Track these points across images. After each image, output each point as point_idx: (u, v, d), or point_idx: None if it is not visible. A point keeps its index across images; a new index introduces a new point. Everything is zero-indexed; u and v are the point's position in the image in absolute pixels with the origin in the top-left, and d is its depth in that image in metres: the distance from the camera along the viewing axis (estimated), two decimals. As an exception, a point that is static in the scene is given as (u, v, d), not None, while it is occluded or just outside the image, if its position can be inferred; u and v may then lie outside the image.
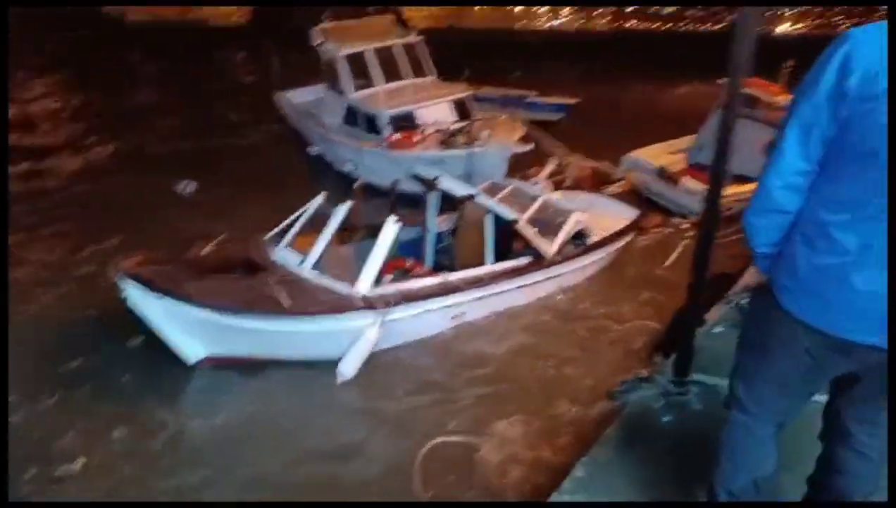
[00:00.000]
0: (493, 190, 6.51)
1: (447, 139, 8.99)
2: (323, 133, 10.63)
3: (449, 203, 6.28)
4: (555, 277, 5.95)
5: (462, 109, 9.93)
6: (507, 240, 5.84)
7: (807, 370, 1.89)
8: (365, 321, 4.53)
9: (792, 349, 1.88)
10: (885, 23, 1.55)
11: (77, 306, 5.65)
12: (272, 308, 4.31)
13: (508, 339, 5.42)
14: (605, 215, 6.94)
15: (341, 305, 4.52)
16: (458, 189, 5.74)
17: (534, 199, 6.20)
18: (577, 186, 8.59)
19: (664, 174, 8.77)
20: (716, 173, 3.11)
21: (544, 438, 4.16)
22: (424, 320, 5.04)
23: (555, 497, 2.85)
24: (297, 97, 12.98)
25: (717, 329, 4.34)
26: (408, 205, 6.74)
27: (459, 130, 9.07)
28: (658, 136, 10.03)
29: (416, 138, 9.18)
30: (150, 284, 4.20)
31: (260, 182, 9.95)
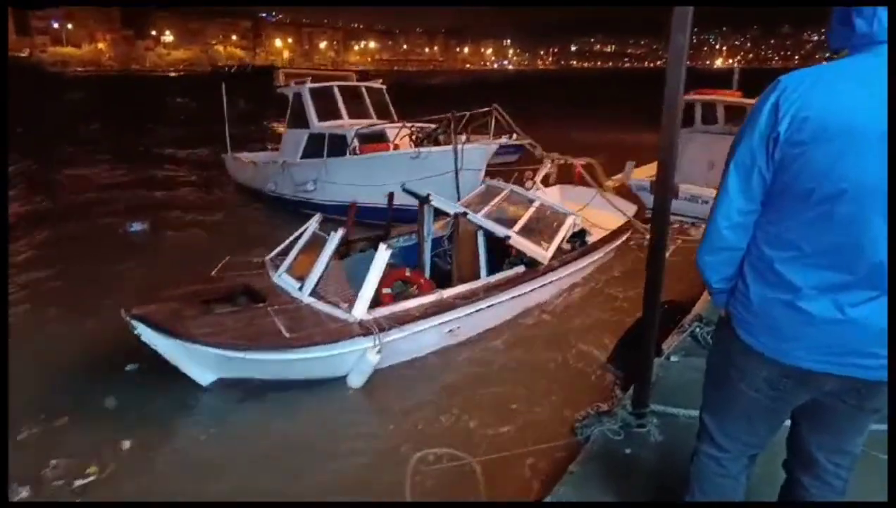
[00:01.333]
0: (487, 194, 6.59)
1: (423, 139, 8.88)
2: (279, 166, 10.49)
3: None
4: (553, 282, 6.02)
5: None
6: (505, 247, 5.94)
7: (768, 400, 1.90)
8: (362, 346, 4.72)
9: (753, 381, 1.90)
10: (815, 67, 1.66)
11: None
12: (274, 342, 4.52)
13: (503, 353, 5.49)
14: (602, 210, 7.02)
15: (339, 332, 4.69)
16: (450, 207, 5.83)
17: (530, 202, 6.27)
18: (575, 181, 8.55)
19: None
20: (661, 192, 3.17)
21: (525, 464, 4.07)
22: (420, 338, 5.20)
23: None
24: (249, 158, 12.93)
25: (674, 359, 4.38)
26: (405, 219, 6.82)
27: (433, 131, 8.97)
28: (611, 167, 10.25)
29: (387, 145, 9.10)
30: (158, 326, 4.45)
31: (216, 225, 9.90)
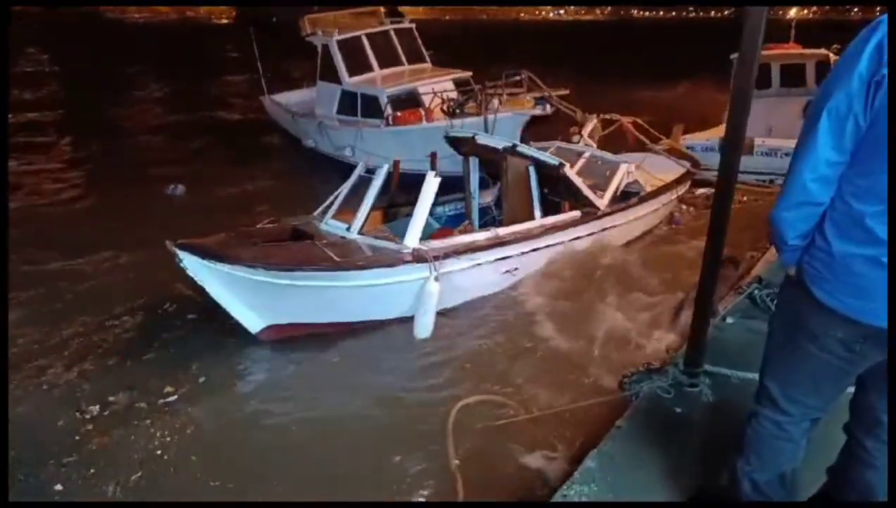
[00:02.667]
0: None
1: (455, 110, 8.72)
2: (316, 125, 10.38)
3: (488, 172, 6.15)
4: (608, 228, 5.82)
5: (464, 87, 9.74)
6: (556, 201, 5.76)
7: (841, 362, 1.84)
8: (421, 274, 4.57)
9: (825, 342, 1.84)
10: None
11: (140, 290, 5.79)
12: (324, 264, 4.37)
13: (560, 299, 5.32)
14: (654, 170, 6.79)
15: (392, 258, 4.57)
16: (498, 143, 5.62)
17: (579, 155, 6.05)
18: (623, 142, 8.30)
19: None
20: (727, 164, 3.04)
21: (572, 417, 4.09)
22: (478, 275, 5.02)
23: (565, 488, 2.82)
24: (285, 99, 12.80)
25: (730, 320, 4.29)
26: (449, 189, 6.71)
27: (467, 100, 8.79)
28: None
29: (419, 112, 8.94)
30: (203, 252, 4.24)
31: (255, 179, 9.96)
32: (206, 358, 4.71)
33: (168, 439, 3.94)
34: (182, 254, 4.21)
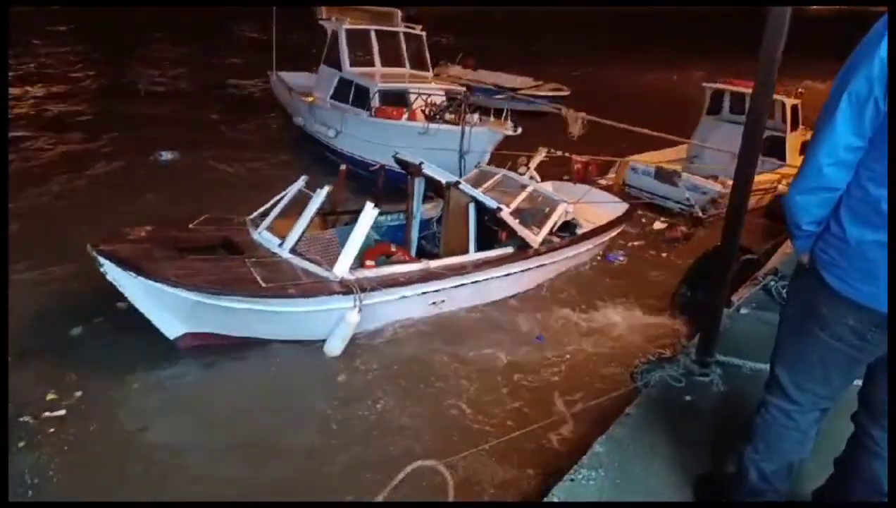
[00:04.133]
0: (481, 178, 6.43)
1: (435, 115, 8.78)
2: (307, 105, 10.55)
3: (435, 191, 6.18)
4: (540, 267, 5.88)
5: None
6: (493, 229, 5.80)
7: (852, 349, 1.85)
8: (344, 304, 4.56)
9: (836, 330, 1.84)
10: None
11: (63, 278, 5.56)
12: (247, 289, 4.31)
13: (483, 331, 5.34)
14: (594, 207, 6.89)
15: (318, 287, 4.54)
16: (442, 176, 5.66)
17: (523, 188, 6.10)
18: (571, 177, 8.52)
19: (661, 173, 8.72)
20: (749, 136, 3.04)
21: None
22: (403, 305, 5.05)
23: (573, 472, 2.84)
24: (290, 78, 12.90)
25: (744, 311, 4.28)
26: (394, 191, 6.73)
27: (448, 108, 8.88)
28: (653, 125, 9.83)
29: (402, 111, 9.03)
30: (124, 263, 4.18)
31: (244, 152, 10.13)
32: (110, 364, 4.55)
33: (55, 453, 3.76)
34: (103, 260, 4.17)
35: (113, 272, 4.19)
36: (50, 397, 4.14)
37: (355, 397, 4.38)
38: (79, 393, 4.20)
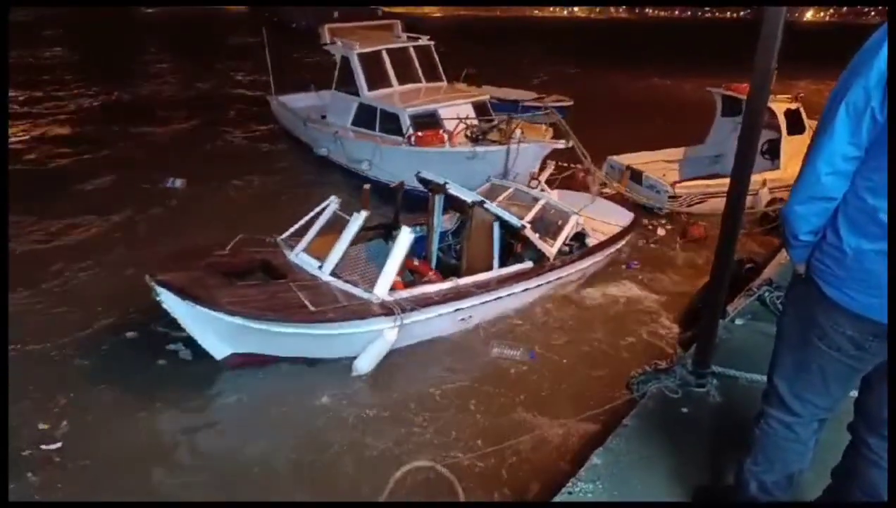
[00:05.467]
0: (493, 191, 6.57)
1: (478, 136, 8.73)
2: (332, 133, 10.22)
3: (449, 204, 6.29)
4: (557, 279, 6.08)
5: (482, 112, 9.71)
6: (509, 241, 5.96)
7: (850, 359, 1.85)
8: (384, 325, 4.73)
9: (834, 340, 1.84)
10: None
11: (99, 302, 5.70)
12: (301, 315, 4.49)
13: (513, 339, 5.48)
14: (601, 216, 7.05)
15: (363, 310, 4.68)
16: (467, 196, 5.79)
17: (535, 200, 6.29)
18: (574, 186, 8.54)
19: (632, 173, 8.79)
20: (743, 152, 3.06)
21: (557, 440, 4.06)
22: (435, 322, 5.21)
23: (570, 485, 2.84)
24: (293, 102, 12.78)
25: (739, 321, 4.29)
26: (413, 204, 6.76)
27: (490, 128, 8.83)
28: (657, 129, 9.85)
29: (442, 135, 8.89)
30: (181, 292, 4.36)
31: (254, 179, 9.96)
32: (149, 376, 4.74)
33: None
34: (160, 290, 4.33)
35: (169, 301, 4.33)
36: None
37: (378, 407, 4.47)
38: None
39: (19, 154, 10.66)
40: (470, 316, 5.43)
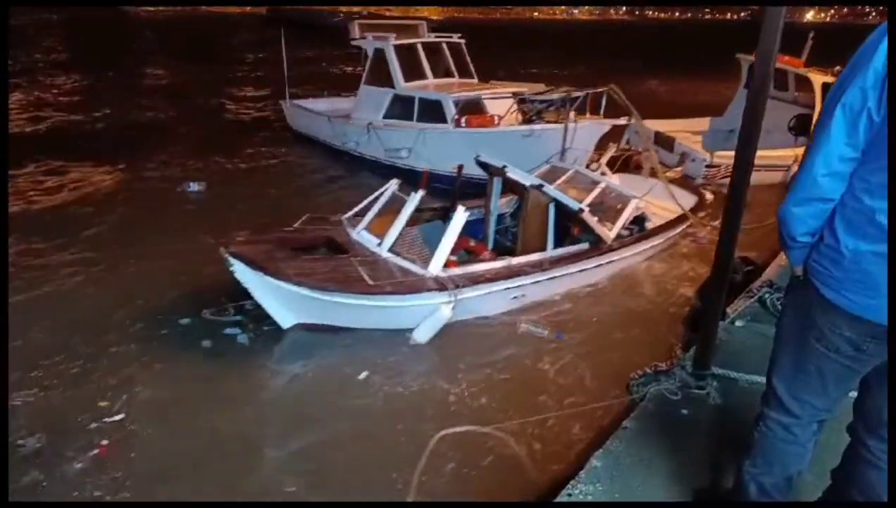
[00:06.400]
0: (553, 173, 6.55)
1: (533, 116, 8.58)
2: (364, 126, 10.01)
3: (506, 186, 6.41)
4: (612, 261, 6.10)
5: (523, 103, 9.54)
6: (566, 224, 6.02)
7: (848, 360, 1.84)
8: (439, 300, 4.94)
9: (832, 341, 1.83)
10: None
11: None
12: (359, 287, 4.78)
13: (565, 321, 5.53)
14: (664, 200, 6.86)
15: (417, 285, 4.93)
16: (525, 179, 5.91)
17: (594, 183, 6.28)
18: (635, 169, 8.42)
19: (660, 138, 8.62)
20: (742, 157, 3.04)
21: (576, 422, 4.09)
22: (489, 300, 5.36)
23: (570, 487, 2.83)
24: (313, 105, 12.59)
25: (739, 323, 4.28)
26: (470, 190, 6.82)
27: (546, 107, 8.67)
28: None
29: (492, 118, 8.71)
30: (252, 263, 4.71)
31: (273, 185, 9.87)
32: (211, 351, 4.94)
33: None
34: (233, 261, 4.70)
35: (240, 271, 4.71)
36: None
37: (423, 377, 4.70)
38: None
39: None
40: (523, 295, 5.54)
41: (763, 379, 2.20)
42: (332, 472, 3.67)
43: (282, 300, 4.93)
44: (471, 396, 4.43)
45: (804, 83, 9.47)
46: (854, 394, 2.01)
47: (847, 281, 1.74)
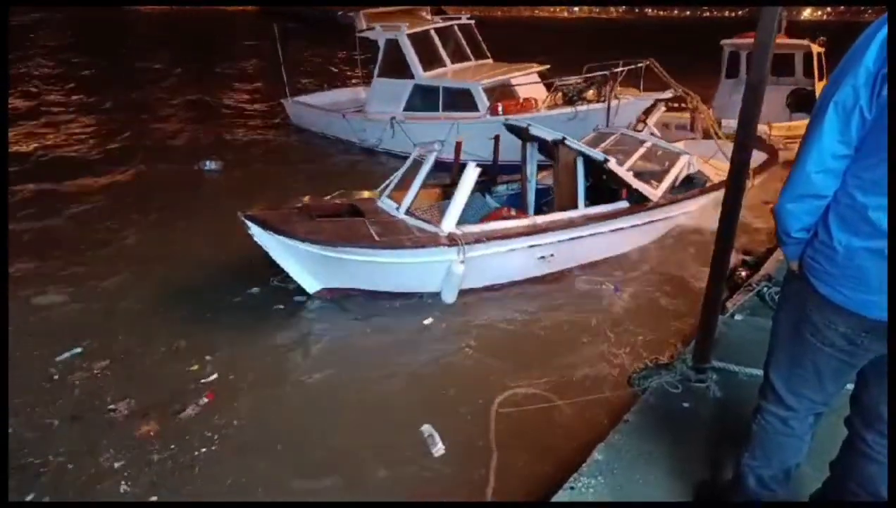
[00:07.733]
0: (599, 139, 6.48)
1: (573, 97, 8.46)
2: (387, 121, 9.68)
3: (548, 154, 6.23)
4: (657, 221, 5.85)
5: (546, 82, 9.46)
6: (614, 189, 5.82)
7: (843, 355, 1.87)
8: (449, 256, 4.90)
9: (827, 336, 1.86)
10: None
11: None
12: (365, 242, 4.83)
13: (591, 293, 5.43)
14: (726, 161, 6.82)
15: (424, 239, 4.95)
16: (548, 134, 5.76)
17: (641, 144, 6.12)
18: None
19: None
20: (740, 154, 3.07)
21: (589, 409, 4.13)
22: (510, 260, 5.26)
23: (572, 480, 2.85)
24: (317, 101, 12.33)
25: (738, 317, 4.31)
26: (511, 172, 6.82)
27: (587, 87, 8.53)
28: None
29: (528, 102, 8.56)
30: (263, 223, 4.85)
31: (288, 167, 9.92)
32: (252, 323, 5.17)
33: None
34: (249, 224, 4.85)
35: (256, 233, 4.86)
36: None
37: (451, 340, 4.88)
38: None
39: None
40: (552, 254, 5.38)
41: (762, 373, 2.23)
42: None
43: (302, 263, 5.04)
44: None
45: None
46: (851, 386, 2.04)
47: (841, 277, 1.76)
